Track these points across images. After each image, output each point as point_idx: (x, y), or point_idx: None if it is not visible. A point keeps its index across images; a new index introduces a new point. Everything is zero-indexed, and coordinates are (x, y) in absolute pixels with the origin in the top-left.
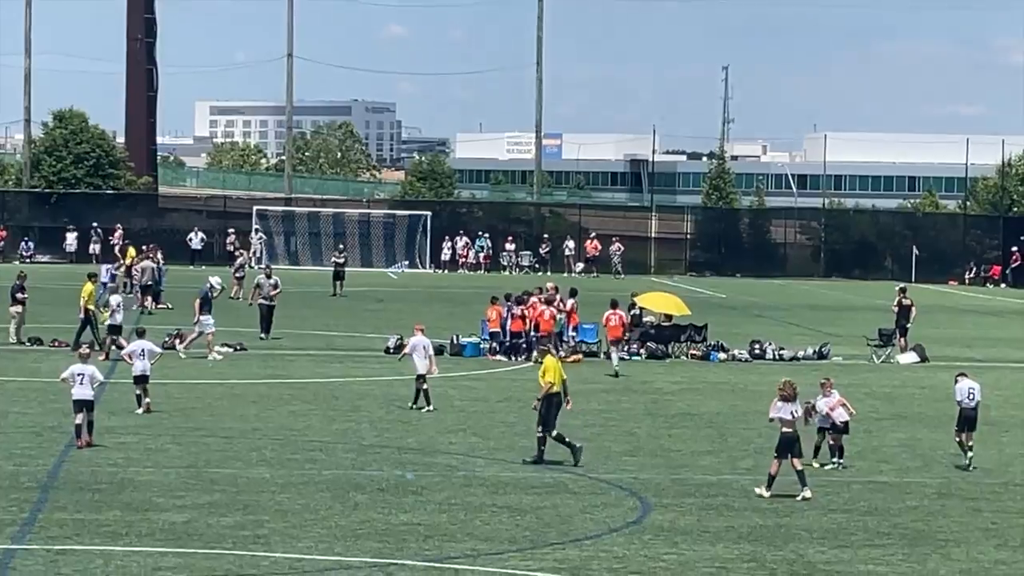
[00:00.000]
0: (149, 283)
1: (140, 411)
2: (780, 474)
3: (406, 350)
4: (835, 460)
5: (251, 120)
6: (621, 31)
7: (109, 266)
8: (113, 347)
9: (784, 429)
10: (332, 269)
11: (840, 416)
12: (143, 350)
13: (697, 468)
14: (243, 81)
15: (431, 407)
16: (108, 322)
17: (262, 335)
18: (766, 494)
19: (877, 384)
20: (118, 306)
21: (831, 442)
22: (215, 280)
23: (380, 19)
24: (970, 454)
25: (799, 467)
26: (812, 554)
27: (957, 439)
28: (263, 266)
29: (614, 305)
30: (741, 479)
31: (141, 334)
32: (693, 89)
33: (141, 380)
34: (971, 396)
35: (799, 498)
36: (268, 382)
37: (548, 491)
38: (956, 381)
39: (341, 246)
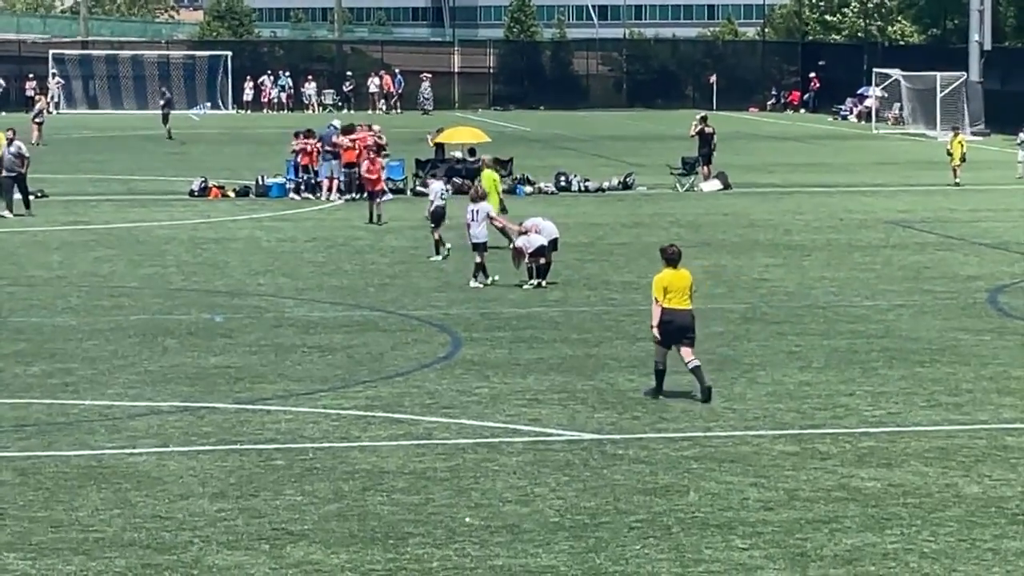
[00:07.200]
0: None
1: None
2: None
3: None
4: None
5: None
6: None
7: None
8: None
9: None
10: (160, 112)
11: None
12: None
13: (506, 302)
14: None
15: None
16: None
17: (3, 213)
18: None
19: (681, 212)
20: None
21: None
22: (337, 122)
23: None
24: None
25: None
26: (622, 382)
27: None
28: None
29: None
30: (550, 311)
31: None
32: None
33: None
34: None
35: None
36: (70, 228)
37: (358, 329)
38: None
39: (163, 89)
